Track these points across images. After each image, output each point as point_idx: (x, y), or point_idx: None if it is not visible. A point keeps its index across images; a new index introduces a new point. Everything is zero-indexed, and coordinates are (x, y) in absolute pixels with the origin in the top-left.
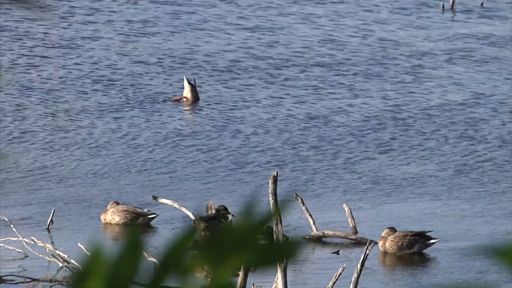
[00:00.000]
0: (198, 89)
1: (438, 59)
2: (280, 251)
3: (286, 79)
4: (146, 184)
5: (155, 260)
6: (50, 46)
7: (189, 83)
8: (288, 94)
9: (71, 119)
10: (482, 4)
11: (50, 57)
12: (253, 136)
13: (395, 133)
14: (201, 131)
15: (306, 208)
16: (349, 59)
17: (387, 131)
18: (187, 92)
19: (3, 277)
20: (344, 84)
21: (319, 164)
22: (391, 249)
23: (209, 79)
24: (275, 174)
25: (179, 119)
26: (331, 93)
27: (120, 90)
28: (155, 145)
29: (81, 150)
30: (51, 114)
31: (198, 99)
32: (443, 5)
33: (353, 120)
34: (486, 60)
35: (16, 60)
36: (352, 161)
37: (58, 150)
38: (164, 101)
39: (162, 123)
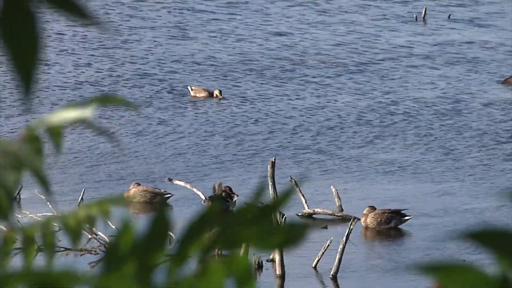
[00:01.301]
0: (219, 87)
1: (414, 60)
2: (287, 234)
3: (291, 78)
4: (168, 166)
5: (178, 234)
6: (93, 48)
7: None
8: (287, 90)
9: (113, 109)
10: (449, 16)
11: (96, 56)
12: (264, 126)
13: (380, 124)
14: (218, 122)
15: (300, 190)
16: (344, 60)
17: (373, 122)
18: (201, 90)
19: (40, 247)
20: (338, 82)
21: (313, 151)
22: (371, 224)
23: (231, 78)
24: (273, 160)
25: (203, 112)
26: (331, 89)
27: (153, 85)
28: (182, 132)
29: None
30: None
31: (213, 95)
32: (416, 16)
33: (346, 114)
34: (455, 61)
35: (75, 60)
36: (341, 149)
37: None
38: (185, 96)
39: (186, 115)
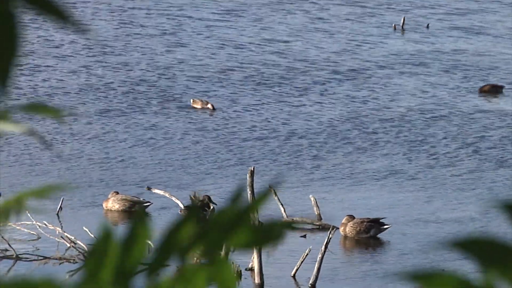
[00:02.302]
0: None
1: (396, 68)
2: (268, 234)
3: (278, 86)
4: (155, 174)
5: (156, 242)
6: (88, 55)
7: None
8: (272, 100)
9: (105, 116)
10: (427, 25)
11: (88, 63)
12: (252, 135)
13: (362, 133)
14: (209, 131)
15: (278, 198)
16: (323, 69)
17: (355, 131)
18: (198, 102)
19: (19, 255)
20: (318, 92)
21: (290, 160)
22: (350, 233)
23: (223, 86)
24: (252, 169)
25: (196, 121)
26: (313, 98)
27: (144, 92)
28: (174, 140)
29: (98, 142)
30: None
31: (207, 106)
32: (394, 25)
33: (328, 123)
34: (436, 69)
35: (68, 66)
36: (319, 159)
37: (86, 142)
38: (182, 105)
39: (182, 124)
